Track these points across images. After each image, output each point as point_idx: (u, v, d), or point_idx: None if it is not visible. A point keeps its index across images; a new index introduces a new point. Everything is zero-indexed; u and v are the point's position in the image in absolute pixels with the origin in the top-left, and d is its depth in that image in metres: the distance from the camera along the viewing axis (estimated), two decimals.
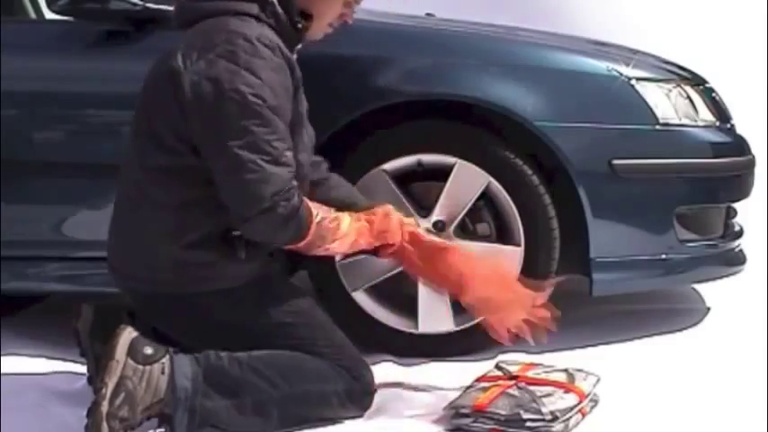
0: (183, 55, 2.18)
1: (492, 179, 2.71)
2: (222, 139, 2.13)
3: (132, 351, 2.12)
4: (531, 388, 2.27)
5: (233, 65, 2.13)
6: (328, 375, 2.25)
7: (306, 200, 2.20)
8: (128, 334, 2.14)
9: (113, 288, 2.87)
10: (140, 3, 2.73)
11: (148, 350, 2.14)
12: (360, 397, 2.29)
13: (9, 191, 2.81)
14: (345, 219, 2.28)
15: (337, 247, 2.28)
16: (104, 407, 2.07)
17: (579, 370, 2.37)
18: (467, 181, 2.72)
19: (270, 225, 2.15)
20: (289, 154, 2.17)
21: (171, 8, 2.75)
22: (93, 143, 2.85)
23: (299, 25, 2.29)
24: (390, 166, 2.73)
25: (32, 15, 3.92)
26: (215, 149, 2.15)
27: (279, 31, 2.25)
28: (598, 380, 2.36)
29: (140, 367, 2.11)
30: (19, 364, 2.66)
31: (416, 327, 2.75)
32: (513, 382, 2.31)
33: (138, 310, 2.33)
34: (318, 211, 2.22)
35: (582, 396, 2.29)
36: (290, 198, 2.14)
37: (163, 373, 2.13)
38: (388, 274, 2.72)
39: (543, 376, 2.34)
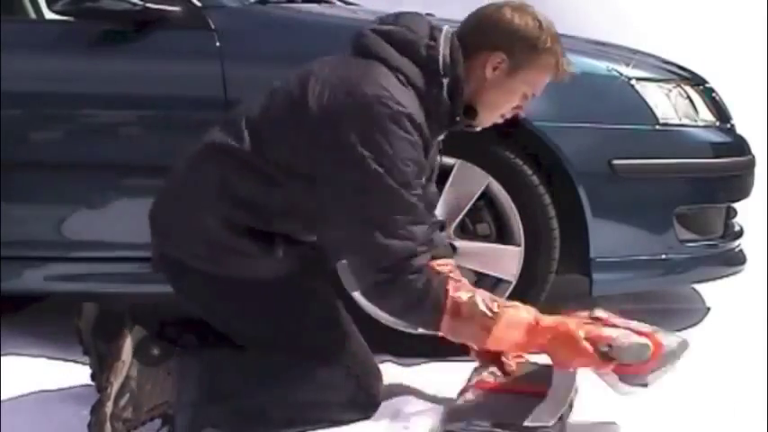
0: (331, 88, 2.07)
1: (492, 179, 2.71)
2: (337, 198, 2.06)
3: (139, 352, 2.11)
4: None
5: (372, 128, 2.02)
6: (333, 384, 2.22)
7: (446, 280, 2.09)
8: (135, 334, 2.12)
9: (113, 288, 2.89)
10: (140, 3, 2.73)
11: (155, 351, 2.12)
12: (363, 406, 2.26)
13: (9, 191, 2.80)
14: (509, 310, 2.10)
15: (500, 344, 2.13)
16: (108, 407, 2.05)
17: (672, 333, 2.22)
18: (467, 181, 2.72)
19: (387, 300, 2.09)
20: (413, 228, 2.06)
21: (171, 8, 2.76)
22: (94, 143, 2.84)
23: (457, 118, 2.20)
24: None
25: (32, 15, 3.92)
26: (331, 204, 2.08)
27: (433, 112, 2.14)
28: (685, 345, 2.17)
29: (146, 368, 2.10)
30: (19, 364, 2.66)
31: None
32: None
33: (169, 277, 2.28)
34: (471, 294, 2.09)
35: (658, 346, 2.11)
36: (405, 273, 2.03)
37: (168, 374, 2.11)
38: None
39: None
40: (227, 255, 2.17)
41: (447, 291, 2.06)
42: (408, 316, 2.11)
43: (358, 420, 2.25)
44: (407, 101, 2.08)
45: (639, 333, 2.16)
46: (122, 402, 2.07)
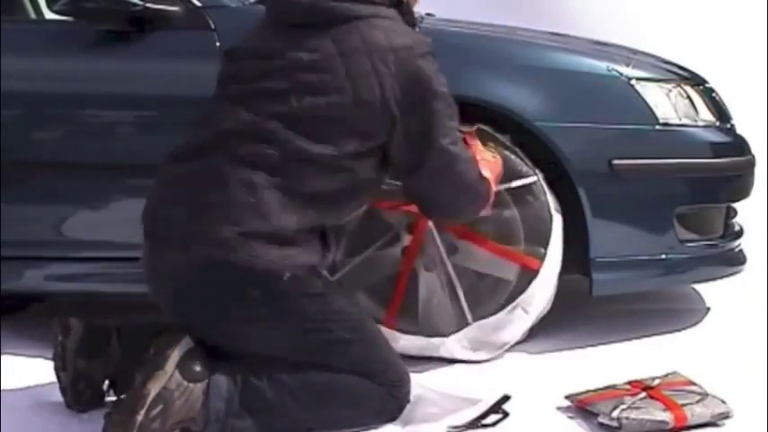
0: (376, 58, 2.20)
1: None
2: (435, 136, 2.24)
3: (182, 365, 2.07)
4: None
5: (432, 64, 2.26)
6: (363, 399, 2.22)
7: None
8: (182, 346, 2.09)
9: (112, 288, 2.88)
10: (140, 3, 2.72)
11: (197, 367, 2.09)
12: (390, 415, 2.26)
13: (9, 191, 2.80)
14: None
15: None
16: (140, 416, 2.02)
17: (723, 401, 2.33)
18: None
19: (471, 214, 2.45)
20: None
21: (171, 8, 2.76)
22: (94, 143, 2.84)
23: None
24: None
25: (32, 15, 3.92)
26: (427, 147, 2.25)
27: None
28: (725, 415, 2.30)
29: (185, 383, 2.07)
30: (19, 364, 2.65)
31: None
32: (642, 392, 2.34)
33: (185, 291, 2.19)
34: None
35: (680, 420, 2.26)
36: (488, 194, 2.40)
37: (203, 393, 2.09)
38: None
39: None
40: (274, 248, 2.13)
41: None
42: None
43: (386, 424, 2.25)
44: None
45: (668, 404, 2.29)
46: (154, 413, 2.03)
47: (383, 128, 2.23)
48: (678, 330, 2.98)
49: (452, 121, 2.29)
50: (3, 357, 2.65)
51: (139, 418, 2.02)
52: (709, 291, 3.29)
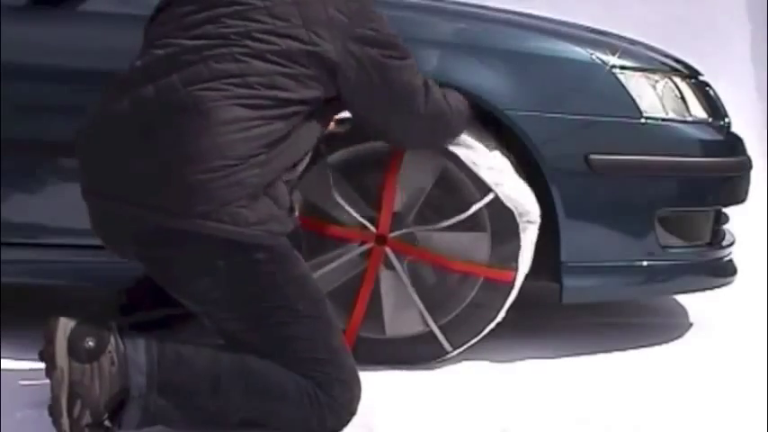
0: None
1: (450, 163, 2.49)
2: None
3: (73, 350, 1.94)
4: None
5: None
6: (293, 398, 2.05)
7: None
8: (62, 330, 1.95)
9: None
10: None
11: (90, 342, 1.95)
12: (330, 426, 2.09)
13: None
14: None
15: None
16: (65, 421, 1.92)
17: None
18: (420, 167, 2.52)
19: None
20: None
21: None
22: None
23: None
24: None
25: None
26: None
27: None
28: None
29: (87, 366, 1.94)
30: (19, 364, 2.47)
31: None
32: None
33: (139, 250, 2.07)
34: None
35: None
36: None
37: (113, 363, 1.95)
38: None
39: None
40: (235, 209, 1.99)
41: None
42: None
43: None
44: None
45: None
46: (76, 411, 1.91)
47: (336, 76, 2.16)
48: (656, 345, 2.78)
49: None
50: (3, 358, 2.50)
51: (65, 423, 1.92)
52: (695, 304, 3.11)
